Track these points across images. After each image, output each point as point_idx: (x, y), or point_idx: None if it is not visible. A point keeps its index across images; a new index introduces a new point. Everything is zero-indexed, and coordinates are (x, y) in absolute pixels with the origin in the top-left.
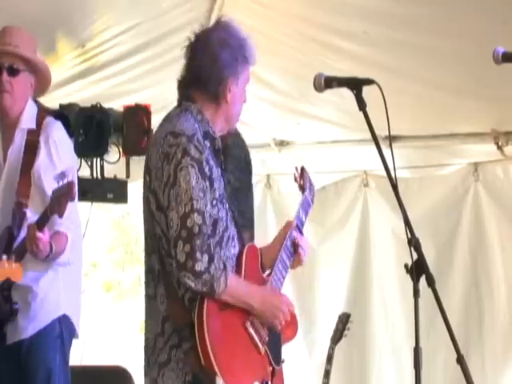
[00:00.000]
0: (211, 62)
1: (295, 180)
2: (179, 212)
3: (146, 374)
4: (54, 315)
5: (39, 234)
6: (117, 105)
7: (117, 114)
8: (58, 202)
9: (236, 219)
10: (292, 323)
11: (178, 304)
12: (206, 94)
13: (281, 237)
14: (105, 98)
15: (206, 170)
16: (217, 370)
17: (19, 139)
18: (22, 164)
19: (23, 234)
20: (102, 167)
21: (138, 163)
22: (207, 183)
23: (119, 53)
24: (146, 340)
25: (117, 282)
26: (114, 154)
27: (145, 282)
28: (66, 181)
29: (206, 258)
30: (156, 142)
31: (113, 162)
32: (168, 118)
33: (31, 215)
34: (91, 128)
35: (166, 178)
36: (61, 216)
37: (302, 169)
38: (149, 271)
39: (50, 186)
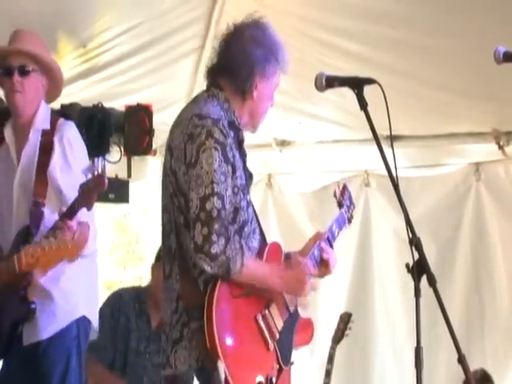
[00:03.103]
0: (243, 56)
1: (334, 195)
2: (199, 193)
3: (163, 351)
4: (74, 316)
5: (70, 224)
6: (118, 105)
7: (118, 113)
8: (87, 195)
9: (256, 213)
10: (308, 328)
11: (190, 284)
12: (233, 85)
13: (309, 245)
14: (106, 97)
15: (230, 155)
16: (220, 354)
17: (34, 140)
18: (37, 164)
19: (44, 230)
20: (103, 167)
21: (140, 163)
22: (229, 168)
23: (121, 53)
24: (163, 318)
25: (118, 282)
26: (115, 153)
27: (163, 262)
28: (95, 173)
29: (222, 240)
30: (181, 122)
31: (114, 162)
32: (195, 101)
33: (48, 214)
34: (92, 128)
35: (189, 158)
36: (89, 209)
37: (344, 186)
38: (166, 251)
39: (65, 184)
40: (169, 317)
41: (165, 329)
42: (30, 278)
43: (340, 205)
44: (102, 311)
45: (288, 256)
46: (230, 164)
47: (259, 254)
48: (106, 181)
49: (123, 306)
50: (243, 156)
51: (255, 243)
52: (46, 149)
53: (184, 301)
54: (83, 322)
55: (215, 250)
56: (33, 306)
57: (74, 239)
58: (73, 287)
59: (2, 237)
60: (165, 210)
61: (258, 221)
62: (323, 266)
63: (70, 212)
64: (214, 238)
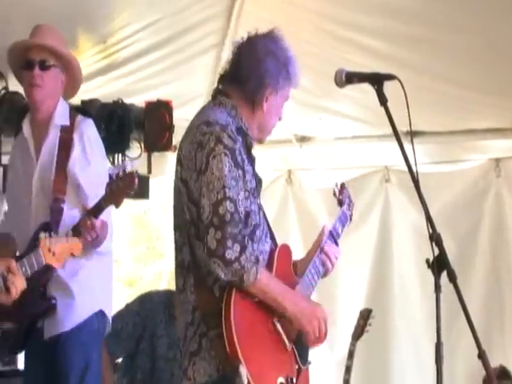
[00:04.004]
0: (255, 66)
1: (334, 194)
2: (211, 199)
3: (180, 365)
4: (92, 310)
5: (94, 222)
6: (138, 101)
7: (138, 109)
8: (116, 194)
9: (266, 217)
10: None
11: (206, 293)
12: (243, 94)
13: (316, 243)
14: (126, 93)
15: (239, 159)
16: (241, 358)
17: (53, 136)
18: (56, 160)
19: (61, 228)
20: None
21: (160, 159)
22: (240, 172)
23: (140, 49)
24: (178, 333)
25: (138, 278)
26: (135, 149)
27: (175, 276)
28: (126, 171)
29: (237, 247)
30: (189, 132)
31: (134, 158)
32: (202, 110)
33: (68, 210)
34: (113, 124)
35: (199, 165)
36: (118, 207)
37: (342, 185)
38: (179, 264)
39: (85, 181)
40: (184, 330)
41: (180, 343)
42: (49, 274)
43: (340, 203)
44: (128, 307)
45: (295, 262)
46: (240, 168)
47: (270, 258)
48: (136, 180)
49: (152, 310)
50: (252, 160)
51: (266, 247)
52: (66, 145)
53: (201, 310)
54: (102, 315)
55: (229, 255)
56: (53, 301)
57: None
58: (91, 282)
59: (17, 229)
60: (177, 227)
61: (268, 224)
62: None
63: (96, 210)
64: (229, 242)
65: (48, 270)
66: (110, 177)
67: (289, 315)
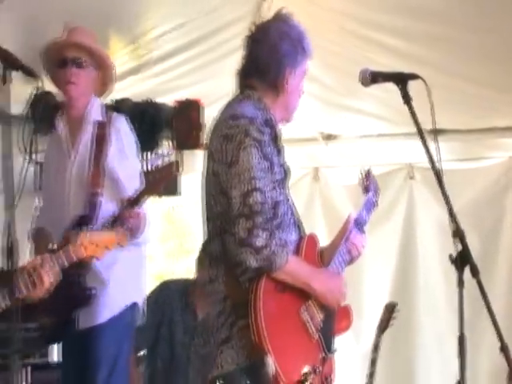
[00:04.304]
0: (270, 52)
1: (359, 181)
2: (241, 190)
3: (197, 353)
4: (126, 303)
5: (134, 212)
6: (168, 100)
7: (168, 108)
8: (155, 183)
9: (293, 207)
10: (346, 316)
11: (236, 283)
12: (265, 83)
13: (342, 232)
14: (156, 93)
15: (267, 151)
16: (268, 348)
17: (88, 131)
18: (92, 155)
19: (98, 221)
20: (152, 161)
21: (189, 157)
22: (268, 164)
23: (171, 49)
24: (203, 321)
25: (170, 273)
26: (165, 147)
27: (208, 266)
28: (166, 160)
29: (266, 234)
30: (217, 126)
31: (165, 156)
32: (229, 104)
33: (105, 203)
34: (144, 122)
35: (228, 158)
36: (159, 195)
37: (368, 171)
38: (209, 255)
39: (123, 174)
40: (214, 319)
41: (209, 332)
42: (87, 266)
43: (366, 190)
44: (149, 298)
45: (321, 252)
46: (268, 160)
47: (297, 247)
48: (178, 169)
49: (169, 296)
50: (280, 152)
51: (294, 236)
52: (101, 140)
53: (231, 300)
54: (134, 308)
55: (260, 242)
56: (93, 291)
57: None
58: (125, 275)
59: (52, 224)
60: (208, 219)
61: (295, 214)
62: (353, 253)
63: (136, 200)
64: (259, 231)
65: (86, 262)
66: (150, 167)
67: (317, 294)
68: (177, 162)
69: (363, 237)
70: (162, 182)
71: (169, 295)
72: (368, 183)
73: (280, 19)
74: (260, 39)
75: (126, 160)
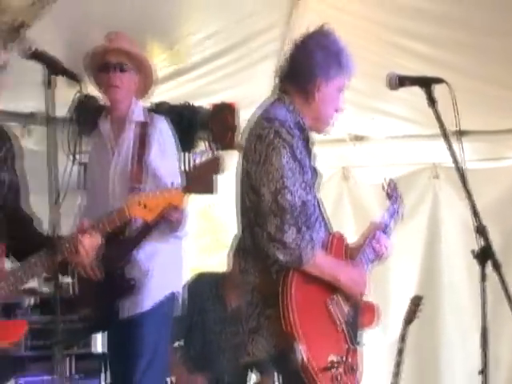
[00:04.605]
0: (305, 59)
1: (383, 188)
2: (270, 188)
3: (241, 341)
4: (165, 292)
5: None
6: (204, 103)
7: (204, 111)
8: (200, 178)
9: (321, 207)
10: (370, 312)
11: (265, 275)
12: (296, 87)
13: (366, 234)
14: (193, 96)
15: (296, 152)
16: (297, 336)
17: (130, 131)
18: (133, 153)
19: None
20: (190, 162)
21: (224, 157)
22: (297, 164)
23: (207, 54)
24: (238, 310)
25: (205, 267)
26: (201, 148)
27: (239, 257)
28: (210, 156)
29: (294, 230)
30: (251, 127)
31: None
32: (262, 106)
33: None
34: (181, 124)
35: (259, 157)
36: (202, 190)
37: (390, 180)
38: (241, 247)
39: (163, 171)
40: (244, 309)
41: (241, 320)
42: (128, 257)
43: (389, 197)
44: (184, 289)
45: (347, 249)
46: (296, 161)
47: (324, 244)
48: (222, 163)
49: (202, 288)
50: (309, 153)
51: (321, 234)
52: (142, 140)
53: (259, 291)
54: (173, 298)
55: (288, 238)
56: (132, 282)
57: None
58: (165, 265)
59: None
60: (240, 213)
61: (323, 214)
62: (378, 254)
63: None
64: (286, 227)
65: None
66: (193, 163)
67: (341, 284)
68: (219, 158)
69: (387, 239)
70: (206, 176)
71: (202, 286)
72: (389, 191)
73: (322, 32)
74: (299, 46)
75: (166, 158)
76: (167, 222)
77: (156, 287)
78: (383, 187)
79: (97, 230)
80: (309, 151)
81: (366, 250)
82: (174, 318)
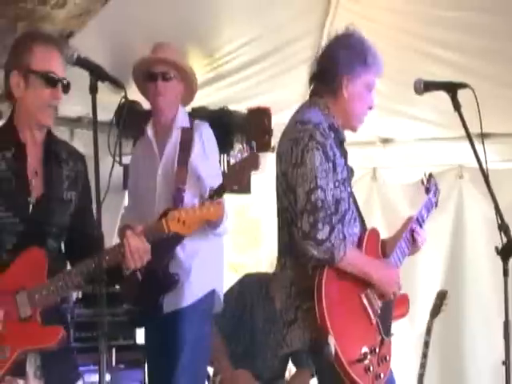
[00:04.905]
0: (329, 58)
1: (422, 183)
2: (305, 188)
3: (280, 332)
4: (207, 289)
5: (219, 200)
6: (241, 107)
7: (241, 115)
8: (239, 174)
9: (356, 203)
10: (404, 304)
11: (301, 270)
12: (324, 87)
13: (402, 229)
14: (231, 101)
15: (330, 154)
16: (330, 329)
17: (175, 136)
18: (178, 156)
19: None
20: (228, 162)
21: (260, 159)
22: (330, 165)
23: (243, 61)
24: (279, 304)
25: (241, 264)
26: (238, 150)
27: (278, 255)
28: (249, 153)
29: (327, 228)
30: (286, 130)
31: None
32: (298, 110)
33: (189, 198)
34: (219, 128)
35: (295, 159)
36: (241, 186)
37: (430, 175)
38: (280, 245)
39: (205, 173)
40: (284, 302)
41: (280, 313)
42: (171, 254)
43: (427, 191)
44: (231, 288)
45: (384, 242)
46: (330, 161)
47: (359, 240)
48: (260, 160)
49: (250, 287)
50: (344, 154)
51: (356, 230)
52: (186, 144)
53: (296, 286)
54: (213, 295)
55: (321, 236)
56: (176, 277)
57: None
58: (207, 262)
59: (141, 219)
60: (278, 211)
61: (358, 209)
62: (413, 246)
63: (221, 190)
64: (320, 225)
65: (170, 245)
66: (233, 160)
67: (374, 282)
68: (257, 155)
69: (423, 232)
70: (247, 171)
71: (250, 287)
72: (428, 185)
73: (346, 33)
74: (325, 48)
75: (207, 160)
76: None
77: (197, 284)
78: (422, 181)
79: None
80: (343, 151)
81: (401, 244)
82: (222, 314)
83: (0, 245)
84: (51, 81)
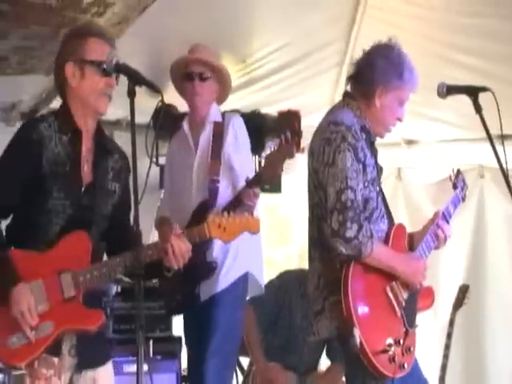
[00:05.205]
0: (367, 65)
1: (450, 179)
2: (335, 187)
3: (308, 321)
4: (240, 272)
5: (255, 191)
6: (272, 110)
7: (272, 117)
8: (274, 163)
9: (385, 201)
10: (429, 295)
11: (329, 263)
12: (359, 91)
13: (429, 224)
14: (262, 104)
15: (361, 155)
16: (355, 321)
17: (208, 130)
18: (211, 149)
19: (218, 204)
20: (259, 163)
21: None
22: (360, 166)
23: (274, 66)
24: (308, 294)
25: (273, 259)
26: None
27: (308, 248)
28: (283, 142)
29: (355, 226)
30: (320, 129)
31: None
32: (331, 111)
33: (223, 188)
34: (251, 130)
35: (326, 159)
36: (279, 174)
37: (458, 171)
38: (310, 239)
39: (237, 163)
40: (312, 293)
41: (309, 303)
42: (209, 242)
43: (455, 186)
44: (271, 283)
45: (411, 236)
46: (360, 163)
47: (386, 235)
48: (294, 148)
49: (290, 285)
50: (374, 153)
51: (383, 226)
52: (219, 136)
53: (324, 278)
54: (246, 278)
55: (349, 234)
56: (214, 265)
57: (253, 215)
58: (239, 247)
59: (177, 210)
60: (310, 206)
61: (386, 206)
62: (439, 240)
63: (257, 179)
64: (349, 224)
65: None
66: (269, 149)
67: (400, 275)
68: (292, 144)
69: (449, 227)
70: (282, 160)
71: (290, 284)
72: (456, 181)
73: (388, 44)
74: (365, 54)
75: (239, 151)
76: (244, 205)
77: (231, 269)
78: (450, 178)
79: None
80: (374, 151)
81: (427, 238)
82: (260, 302)
83: (49, 225)
84: (106, 70)
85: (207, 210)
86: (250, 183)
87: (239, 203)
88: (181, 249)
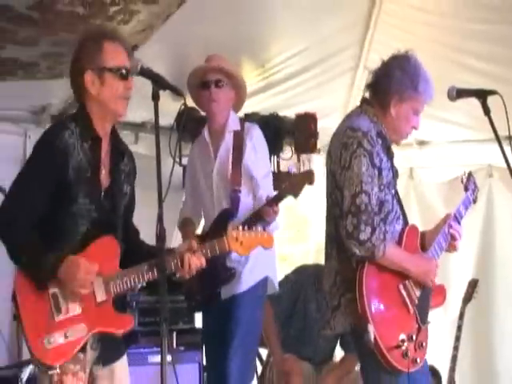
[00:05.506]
0: (384, 75)
1: (461, 181)
2: (351, 191)
3: (324, 316)
4: (260, 276)
5: (276, 208)
6: (289, 113)
7: (290, 120)
8: (295, 186)
9: (401, 202)
10: (441, 292)
11: (346, 262)
12: (376, 99)
13: (440, 225)
14: (280, 107)
15: (376, 160)
16: (370, 319)
17: (228, 139)
18: (232, 158)
19: (240, 213)
20: (278, 163)
21: (307, 160)
22: (376, 171)
23: (291, 71)
24: (324, 290)
25: (290, 255)
26: (287, 152)
27: (325, 244)
28: (306, 168)
29: (369, 229)
30: (338, 133)
31: (287, 159)
32: (349, 116)
33: (244, 197)
34: (270, 132)
35: (343, 163)
36: (296, 196)
37: (469, 173)
38: (327, 235)
39: (256, 173)
40: (329, 289)
41: (325, 298)
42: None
43: (466, 188)
44: (288, 277)
45: (423, 235)
46: (376, 168)
47: (400, 236)
48: (315, 177)
49: (305, 279)
50: (390, 157)
51: (398, 227)
52: (239, 146)
53: (341, 275)
54: (265, 281)
55: (363, 237)
56: (233, 271)
57: (268, 232)
58: (260, 254)
59: (198, 214)
60: (327, 204)
61: (402, 208)
62: (452, 241)
63: (278, 198)
64: (362, 227)
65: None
66: (290, 171)
67: (412, 275)
68: (313, 172)
69: (460, 228)
70: (302, 185)
71: (305, 277)
72: (467, 183)
73: (405, 56)
74: (383, 64)
75: (259, 161)
76: (263, 220)
77: (251, 273)
78: (462, 180)
79: (202, 254)
80: (390, 155)
81: (439, 238)
82: (277, 299)
83: (75, 228)
84: (124, 75)
85: (228, 219)
86: (271, 202)
87: (259, 219)
88: (195, 264)
